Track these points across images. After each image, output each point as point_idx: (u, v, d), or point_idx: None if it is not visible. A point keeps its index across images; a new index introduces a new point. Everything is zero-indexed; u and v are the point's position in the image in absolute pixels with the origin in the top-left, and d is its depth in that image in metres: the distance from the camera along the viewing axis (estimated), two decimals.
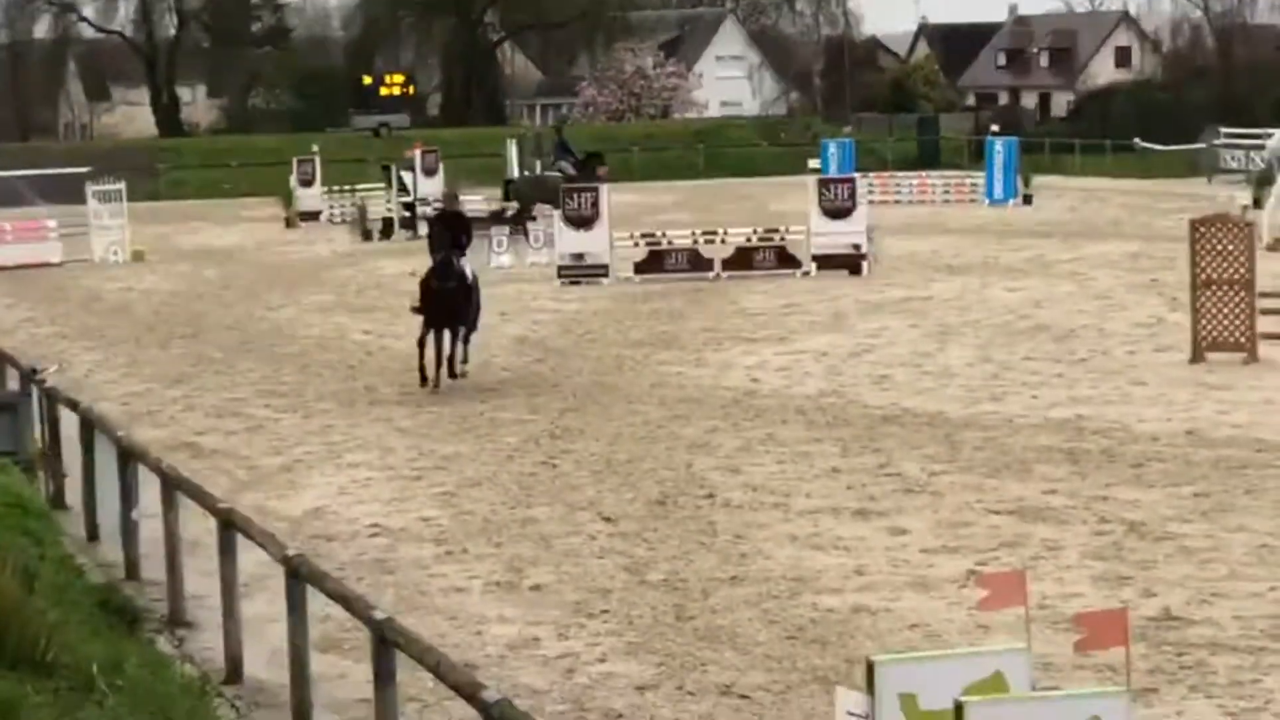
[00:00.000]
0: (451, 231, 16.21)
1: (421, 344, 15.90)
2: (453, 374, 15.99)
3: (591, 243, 25.58)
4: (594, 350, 19.97)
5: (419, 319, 16.29)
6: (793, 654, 8.55)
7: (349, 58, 69.45)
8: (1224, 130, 43.62)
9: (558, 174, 32.54)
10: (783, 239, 26.26)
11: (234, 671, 7.99)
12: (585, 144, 39.27)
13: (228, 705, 7.56)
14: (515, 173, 35.75)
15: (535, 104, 71.73)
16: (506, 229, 29.42)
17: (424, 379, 15.78)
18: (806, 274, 25.58)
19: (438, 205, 30.50)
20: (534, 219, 30.54)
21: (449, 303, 15.82)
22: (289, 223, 38.12)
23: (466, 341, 16.24)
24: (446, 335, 16.07)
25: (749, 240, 26.36)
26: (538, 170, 35.11)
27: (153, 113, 67.47)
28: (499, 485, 12.96)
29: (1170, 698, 7.55)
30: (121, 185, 33.09)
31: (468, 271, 16.24)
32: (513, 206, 32.32)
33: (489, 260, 27.22)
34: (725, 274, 25.70)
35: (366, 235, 34.37)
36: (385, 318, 21.60)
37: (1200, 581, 9.74)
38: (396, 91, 59.51)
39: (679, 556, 10.63)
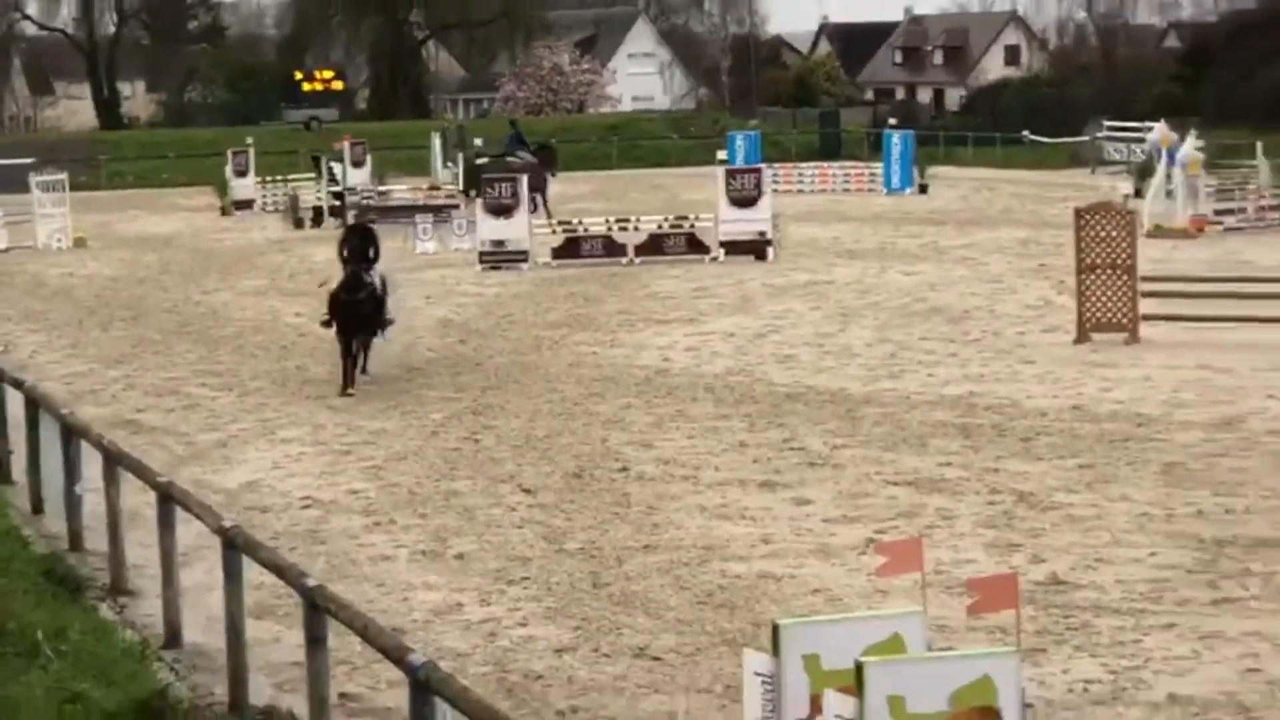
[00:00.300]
0: (364, 244, 16.37)
1: (344, 355, 15.98)
2: (364, 371, 16.30)
3: (511, 230, 26.01)
4: (514, 332, 20.44)
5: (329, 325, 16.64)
6: (702, 618, 8.76)
7: (281, 54, 70.60)
8: (1107, 124, 44.39)
9: (519, 160, 33.34)
10: (692, 226, 26.83)
11: (173, 637, 8.23)
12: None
13: (167, 669, 7.67)
14: (439, 164, 37.49)
15: (458, 99, 73.62)
16: (430, 216, 30.19)
17: (346, 385, 15.84)
18: (715, 259, 26.01)
19: (368, 198, 33.05)
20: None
21: (359, 313, 16.01)
22: (224, 211, 38.80)
23: (368, 347, 16.60)
24: (356, 342, 16.49)
25: (660, 227, 26.98)
26: (460, 160, 36.25)
27: (94, 107, 69.42)
28: (424, 459, 13.26)
29: (1057, 657, 7.71)
30: (64, 175, 33.37)
31: (376, 283, 16.38)
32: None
33: (414, 246, 28.11)
34: (638, 259, 26.14)
35: (298, 223, 34.82)
36: (316, 302, 20.90)
37: (1085, 548, 10.09)
38: (326, 87, 60.07)
39: (595, 526, 10.87)
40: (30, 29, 72.48)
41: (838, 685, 4.89)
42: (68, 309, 24.11)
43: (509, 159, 34.04)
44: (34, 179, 32.98)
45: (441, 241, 28.75)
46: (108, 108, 68.40)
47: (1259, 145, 32.48)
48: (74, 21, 70.83)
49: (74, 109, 71.04)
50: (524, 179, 27.48)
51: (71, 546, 10.30)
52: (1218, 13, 58.41)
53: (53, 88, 73.57)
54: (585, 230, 26.93)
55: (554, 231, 26.99)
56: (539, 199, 30.93)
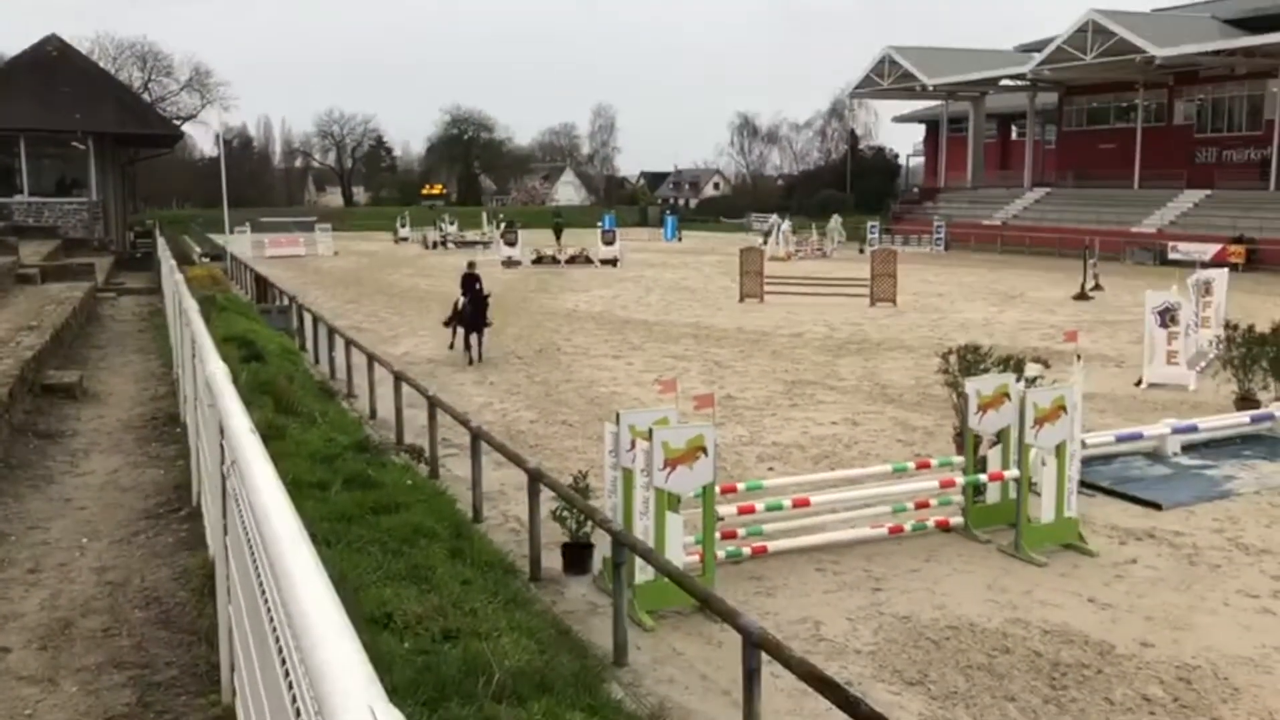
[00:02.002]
0: (472, 281, 20.29)
1: (465, 343, 20.29)
2: (480, 358, 20.10)
3: (514, 252, 44.78)
4: (515, 293, 32.99)
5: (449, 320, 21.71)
6: (590, 409, 15.56)
7: (420, 177, 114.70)
8: (754, 214, 75.80)
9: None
10: (586, 253, 46.22)
11: (372, 414, 14.63)
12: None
13: (372, 430, 13.49)
14: (485, 223, 62.85)
15: (493, 198, 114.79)
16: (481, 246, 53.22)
17: (470, 361, 19.98)
18: (596, 265, 44.31)
19: (456, 238, 59.51)
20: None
21: (474, 319, 20.09)
22: (396, 242, 62.62)
23: (481, 340, 20.62)
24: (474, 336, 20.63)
25: (576, 253, 46.69)
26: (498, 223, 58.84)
27: (342, 198, 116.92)
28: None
29: (729, 427, 14.38)
30: (329, 224, 59.14)
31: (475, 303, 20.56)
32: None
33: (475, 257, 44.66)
34: (565, 265, 45.00)
35: (428, 246, 57.64)
36: (438, 279, 36.91)
37: (743, 382, 17.75)
38: (436, 191, 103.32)
39: (547, 373, 18.92)
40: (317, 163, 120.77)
41: (642, 438, 8.13)
42: (330, 280, 39.46)
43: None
44: (319, 226, 57.35)
45: (486, 257, 44.82)
46: (348, 198, 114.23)
47: (835, 217, 55.56)
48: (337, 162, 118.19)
49: (334, 196, 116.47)
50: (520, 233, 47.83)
51: (330, 377, 17.75)
52: (798, 170, 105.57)
53: (325, 189, 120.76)
54: (545, 253, 46.42)
55: (534, 254, 45.35)
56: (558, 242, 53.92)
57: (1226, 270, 22.78)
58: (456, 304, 20.63)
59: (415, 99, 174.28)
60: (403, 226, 64.05)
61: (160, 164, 62.87)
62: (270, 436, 9.93)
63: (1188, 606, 8.37)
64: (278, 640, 2.32)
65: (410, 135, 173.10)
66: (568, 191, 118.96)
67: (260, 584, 2.77)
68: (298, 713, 2.00)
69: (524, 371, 19.06)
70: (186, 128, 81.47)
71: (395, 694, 4.63)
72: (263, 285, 29.95)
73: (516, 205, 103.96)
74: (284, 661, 2.20)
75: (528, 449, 12.78)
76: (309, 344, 21.56)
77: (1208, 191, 48.78)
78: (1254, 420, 13.88)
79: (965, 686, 7.03)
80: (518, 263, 44.25)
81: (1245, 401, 14.98)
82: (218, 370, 4.43)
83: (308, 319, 22.16)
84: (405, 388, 13.19)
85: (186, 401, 8.97)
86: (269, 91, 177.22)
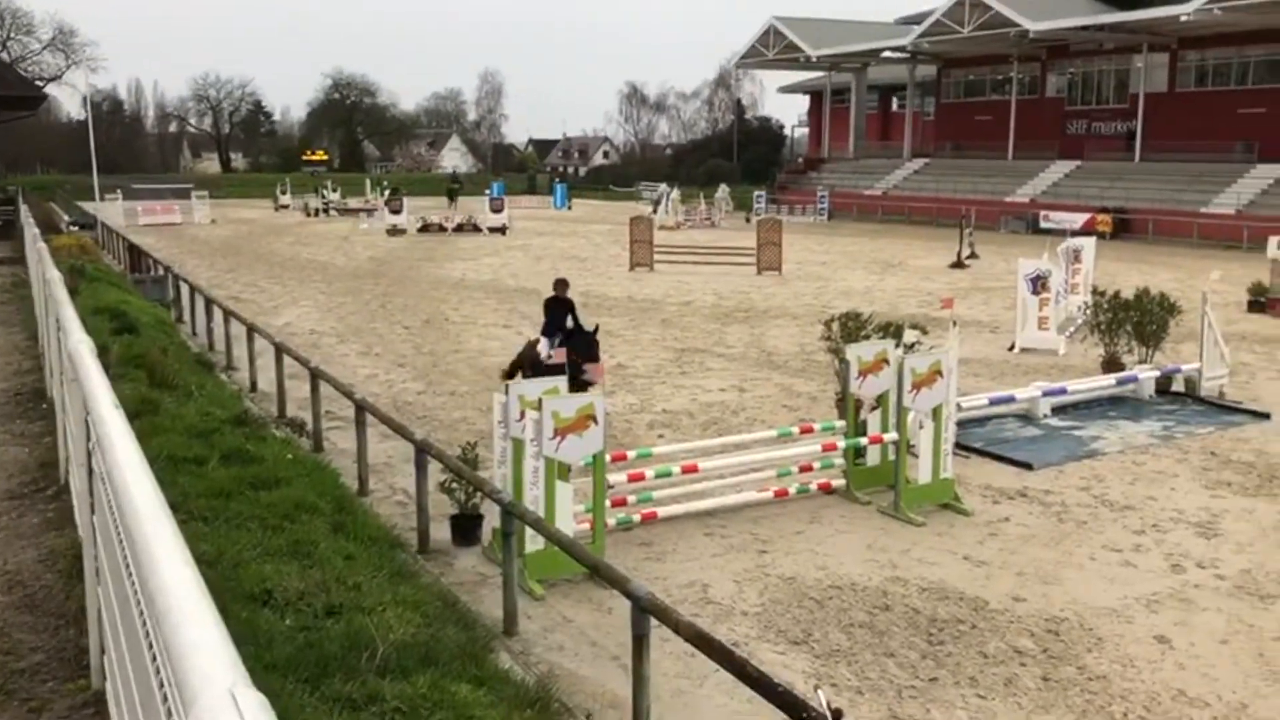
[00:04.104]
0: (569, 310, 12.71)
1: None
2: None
3: (400, 220, 44.16)
4: (401, 262, 33.21)
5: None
6: (478, 379, 15.43)
7: (300, 143, 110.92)
8: (643, 183, 76.32)
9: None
10: (474, 221, 45.99)
11: (253, 386, 14.17)
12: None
13: (252, 403, 13.06)
14: (369, 189, 64.03)
15: (377, 165, 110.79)
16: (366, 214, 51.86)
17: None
18: (484, 233, 44.23)
19: (339, 205, 59.75)
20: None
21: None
22: (276, 209, 60.71)
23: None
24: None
25: (464, 221, 46.26)
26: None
27: (220, 164, 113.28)
28: (362, 314, 22.36)
29: (621, 395, 14.66)
30: (206, 192, 57.06)
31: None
32: None
33: (361, 226, 47.75)
34: (453, 233, 44.42)
35: (309, 214, 56.33)
36: (321, 247, 38.54)
37: (634, 350, 17.79)
38: (319, 157, 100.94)
39: (434, 343, 18.63)
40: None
41: (531, 407, 8.02)
42: (208, 249, 38.16)
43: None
44: (195, 194, 55.87)
45: (370, 224, 47.21)
46: (225, 164, 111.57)
47: (723, 186, 57.34)
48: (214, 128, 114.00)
49: (211, 163, 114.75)
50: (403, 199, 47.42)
51: (209, 349, 17.26)
52: (686, 139, 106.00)
53: (201, 155, 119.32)
54: (432, 221, 45.64)
55: (420, 221, 45.09)
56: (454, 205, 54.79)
57: (1094, 239, 23.70)
58: (532, 347, 12.71)
59: (295, 62, 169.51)
60: (283, 194, 62.91)
61: (22, 128, 59.89)
62: (143, 411, 9.59)
63: (1056, 562, 8.71)
64: (145, 623, 2.24)
65: (290, 100, 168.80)
66: (454, 158, 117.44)
67: (127, 565, 2.66)
68: (165, 697, 1.93)
69: (410, 342, 18.75)
70: (51, 90, 77.96)
71: (275, 671, 4.53)
72: (136, 254, 28.82)
73: (401, 172, 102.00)
74: (151, 645, 2.12)
75: (415, 420, 12.62)
76: (186, 315, 20.87)
77: (1078, 162, 50.58)
78: (1119, 383, 14.49)
79: (847, 644, 7.20)
80: (403, 231, 43.52)
81: (1111, 365, 15.62)
82: (81, 343, 4.23)
83: (184, 289, 21.40)
84: (287, 359, 12.85)
85: (53, 376, 8.57)
86: (140, 53, 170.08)
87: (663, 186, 57.32)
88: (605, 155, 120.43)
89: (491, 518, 8.37)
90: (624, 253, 31.72)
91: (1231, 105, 45.69)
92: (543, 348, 12.15)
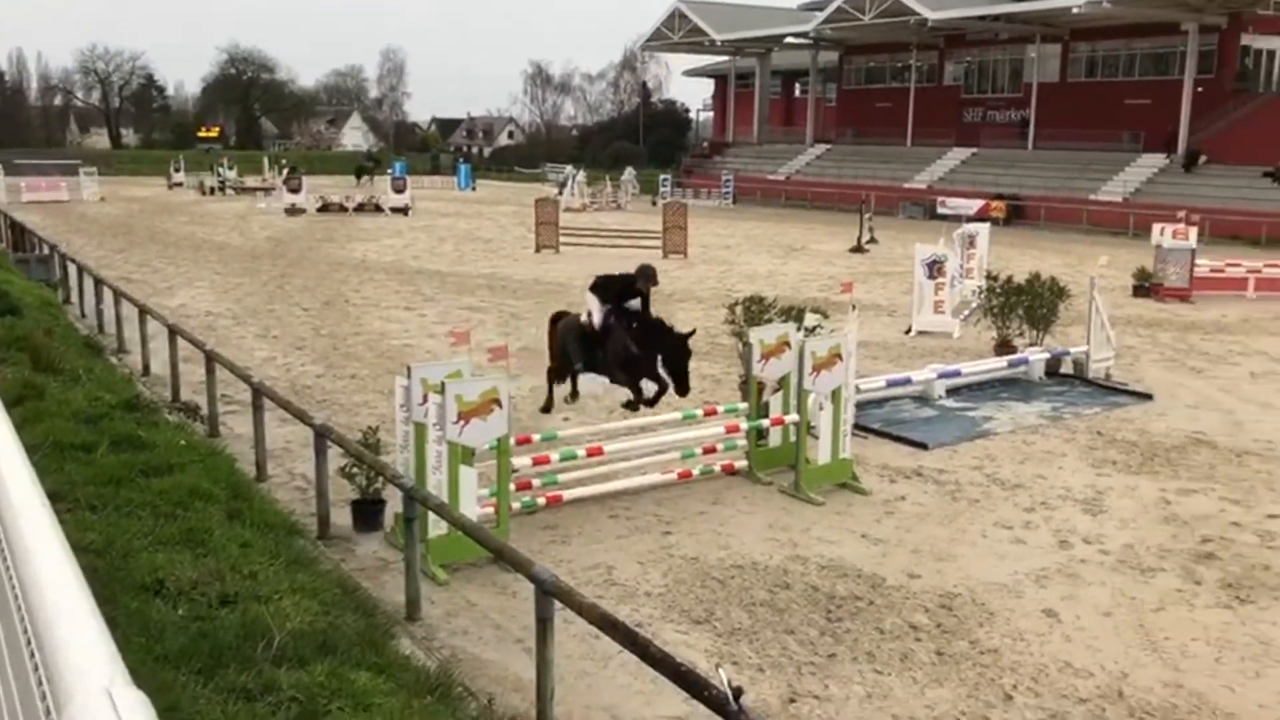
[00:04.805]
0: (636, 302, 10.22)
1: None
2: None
3: (299, 199, 43.01)
4: (301, 242, 32.45)
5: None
6: (380, 362, 15.21)
7: (195, 119, 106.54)
8: (549, 164, 75.73)
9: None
10: (376, 201, 45.05)
11: (146, 370, 13.66)
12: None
13: (144, 387, 12.70)
14: (267, 167, 60.54)
15: (275, 142, 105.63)
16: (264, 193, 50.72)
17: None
18: (386, 213, 43.24)
19: (235, 184, 58.50)
20: None
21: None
22: (169, 187, 59.15)
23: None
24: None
25: (365, 201, 45.24)
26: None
27: (109, 140, 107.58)
28: (260, 295, 21.65)
29: (524, 379, 14.36)
30: (95, 169, 54.12)
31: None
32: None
33: (260, 206, 46.12)
34: (354, 213, 43.33)
35: (204, 192, 54.71)
36: (216, 226, 37.38)
37: (537, 333, 17.02)
38: (213, 134, 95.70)
39: (334, 325, 18.26)
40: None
41: (434, 391, 7.90)
42: (97, 227, 36.93)
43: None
44: (83, 170, 52.38)
45: (268, 203, 46.01)
46: (115, 139, 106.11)
47: (629, 169, 56.85)
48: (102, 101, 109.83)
49: (99, 138, 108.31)
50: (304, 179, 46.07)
51: (99, 331, 16.71)
52: (592, 121, 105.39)
53: (89, 130, 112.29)
54: (332, 200, 44.32)
55: (319, 200, 43.78)
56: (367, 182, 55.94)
57: (989, 224, 24.33)
58: (581, 327, 10.41)
59: (189, 36, 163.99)
60: (177, 171, 60.84)
61: None
62: (26, 396, 9.23)
63: (950, 539, 8.95)
64: (22, 619, 2.15)
65: (184, 74, 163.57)
66: (355, 136, 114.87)
67: (3, 557, 2.55)
68: (43, 695, 1.86)
69: (310, 324, 18.35)
70: None
71: (167, 662, 4.40)
72: (19, 233, 27.63)
73: (301, 150, 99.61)
74: (29, 641, 2.04)
75: (315, 405, 12.38)
76: (74, 296, 20.11)
77: (974, 149, 51.80)
78: (1010, 365, 14.93)
79: (749, 623, 7.30)
80: (302, 210, 42.54)
81: (1003, 347, 16.07)
82: None
83: (72, 269, 20.59)
84: (181, 342, 12.47)
85: None
86: (22, 22, 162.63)
87: (568, 168, 57.05)
88: (510, 136, 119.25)
89: (394, 503, 8.26)
90: (529, 235, 31.45)
91: (1119, 96, 47.25)
92: (595, 314, 9.86)
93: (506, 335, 17.02)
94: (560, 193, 46.55)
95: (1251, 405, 13.91)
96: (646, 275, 10.27)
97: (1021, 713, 6.20)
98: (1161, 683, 6.56)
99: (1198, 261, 23.59)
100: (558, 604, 5.43)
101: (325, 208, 43.96)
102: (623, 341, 9.75)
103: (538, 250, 29.83)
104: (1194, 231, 23.90)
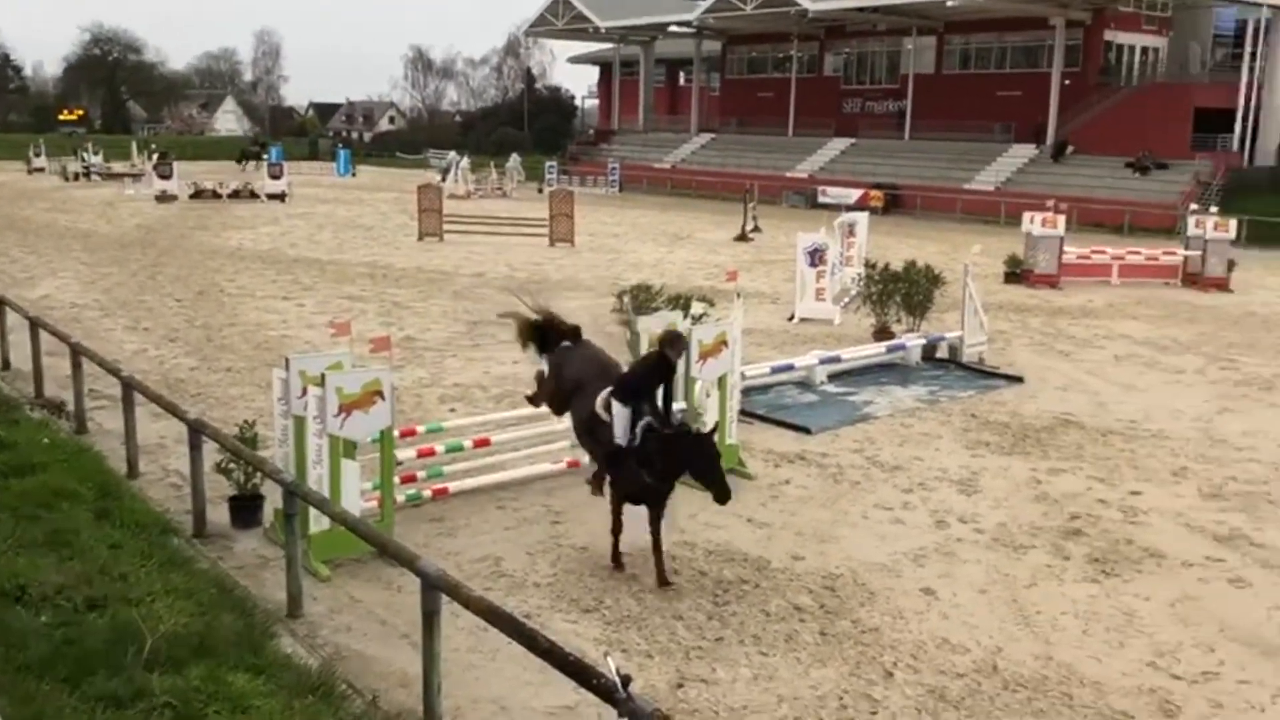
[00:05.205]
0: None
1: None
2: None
3: (170, 185, 41.49)
4: (172, 230, 31.31)
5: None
6: (257, 354, 14.82)
7: (58, 100, 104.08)
8: (432, 150, 74.86)
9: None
10: (251, 187, 43.84)
11: (5, 363, 13.32)
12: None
13: (3, 382, 12.26)
14: (135, 153, 57.12)
15: (144, 126, 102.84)
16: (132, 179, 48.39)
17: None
18: (262, 200, 42.15)
19: (101, 170, 57.11)
20: None
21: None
22: (29, 173, 56.32)
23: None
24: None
25: (240, 187, 43.99)
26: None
27: None
28: (129, 286, 20.82)
29: (410, 369, 14.42)
30: None
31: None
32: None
33: (127, 192, 44.33)
34: (229, 200, 42.38)
35: (66, 178, 52.08)
36: (82, 214, 35.70)
37: (424, 323, 17.46)
38: (77, 117, 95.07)
39: (209, 316, 17.66)
40: None
41: (314, 383, 7.73)
42: None
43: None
44: None
45: (137, 190, 44.59)
46: None
47: (514, 156, 55.42)
48: None
49: None
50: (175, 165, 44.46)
51: None
52: (476, 107, 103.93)
53: None
54: (205, 187, 43.12)
55: (191, 186, 42.38)
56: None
57: (868, 213, 24.88)
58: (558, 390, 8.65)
59: (47, 13, 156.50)
60: (37, 155, 58.02)
61: None
62: None
63: (832, 521, 9.15)
64: None
65: (43, 54, 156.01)
66: (229, 121, 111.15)
67: None
68: None
69: (182, 315, 17.71)
70: None
71: (29, 671, 4.21)
72: None
73: (172, 135, 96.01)
74: None
75: (189, 399, 12.01)
76: None
77: (853, 140, 52.87)
78: (889, 350, 15.31)
79: (638, 610, 7.34)
80: (174, 197, 40.98)
81: (882, 333, 16.47)
82: None
83: None
84: (45, 335, 11.91)
85: None
86: None
87: (452, 154, 56.21)
88: (391, 121, 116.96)
89: (274, 498, 8.05)
90: (412, 222, 30.98)
91: (992, 88, 48.75)
92: (619, 426, 7.65)
93: (389, 325, 16.73)
94: (444, 179, 45.94)
95: (1115, 387, 14.55)
96: (675, 343, 8.06)
97: (901, 689, 6.38)
98: (1033, 655, 6.82)
99: (1065, 249, 24.54)
100: (444, 597, 5.37)
101: (198, 194, 42.50)
102: (635, 474, 7.66)
103: (421, 238, 29.39)
104: (1062, 220, 24.84)
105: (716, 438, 7.82)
